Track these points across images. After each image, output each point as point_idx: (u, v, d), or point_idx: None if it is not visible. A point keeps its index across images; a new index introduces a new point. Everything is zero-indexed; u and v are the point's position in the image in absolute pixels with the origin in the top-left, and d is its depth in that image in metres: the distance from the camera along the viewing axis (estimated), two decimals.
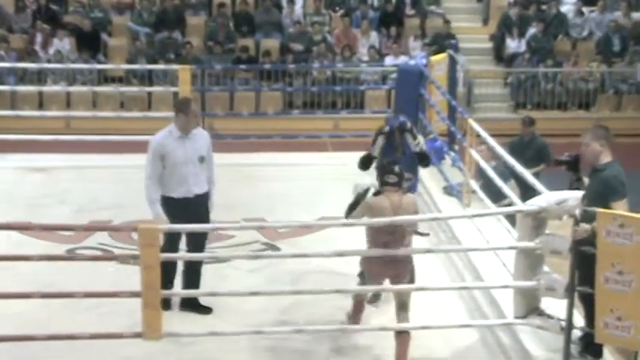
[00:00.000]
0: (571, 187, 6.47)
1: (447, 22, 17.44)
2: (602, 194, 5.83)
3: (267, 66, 15.59)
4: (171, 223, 6.70)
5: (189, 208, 6.90)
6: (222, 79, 15.89)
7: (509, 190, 7.78)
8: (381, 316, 6.71)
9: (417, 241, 8.01)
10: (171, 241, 6.83)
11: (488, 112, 16.25)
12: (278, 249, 8.19)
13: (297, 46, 16.91)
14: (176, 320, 6.32)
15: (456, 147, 10.11)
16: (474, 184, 8.74)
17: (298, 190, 9.61)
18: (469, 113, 10.05)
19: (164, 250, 6.17)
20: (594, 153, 5.95)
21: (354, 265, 7.20)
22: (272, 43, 17.09)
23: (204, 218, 6.93)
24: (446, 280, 7.46)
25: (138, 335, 6.02)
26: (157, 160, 6.93)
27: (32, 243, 7.99)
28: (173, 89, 10.95)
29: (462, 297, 7.15)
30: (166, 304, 6.54)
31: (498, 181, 7.91)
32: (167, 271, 6.28)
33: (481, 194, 8.55)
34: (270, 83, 16.12)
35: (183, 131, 6.96)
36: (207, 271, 7.52)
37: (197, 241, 7.02)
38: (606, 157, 5.93)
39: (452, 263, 7.78)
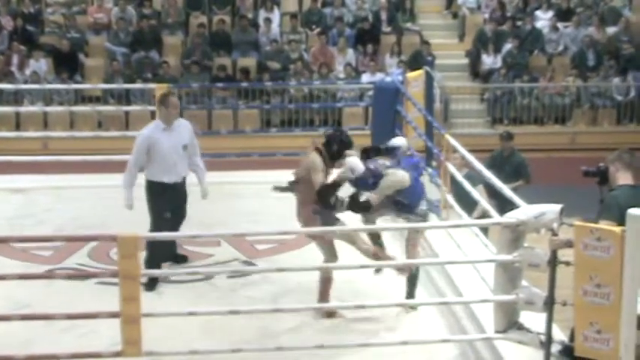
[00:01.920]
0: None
1: (425, 42, 17.49)
2: (599, 212, 5.85)
3: (244, 84, 15.63)
4: (160, 204, 7.73)
5: (177, 190, 7.87)
6: (199, 98, 15.91)
7: (477, 194, 7.84)
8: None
9: (396, 256, 8.10)
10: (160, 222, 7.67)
11: (465, 127, 16.35)
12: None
13: (274, 65, 16.96)
14: (157, 338, 6.27)
15: (434, 163, 10.14)
16: (452, 199, 8.78)
17: (277, 208, 9.59)
18: (446, 129, 10.10)
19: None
20: (611, 175, 5.99)
21: (335, 285, 7.22)
22: (249, 62, 17.13)
23: (186, 198, 8.01)
24: (425, 296, 7.47)
25: (117, 354, 5.99)
26: (142, 152, 7.77)
27: (9, 264, 7.97)
28: (150, 108, 10.94)
29: (442, 312, 7.16)
30: (152, 283, 7.41)
31: (467, 186, 7.97)
32: (160, 253, 7.55)
33: (458, 209, 8.59)
34: (247, 101, 16.15)
35: (167, 123, 7.79)
36: (186, 290, 7.53)
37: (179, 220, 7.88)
38: (621, 180, 5.94)
39: (430, 279, 7.79)
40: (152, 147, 7.73)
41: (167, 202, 7.80)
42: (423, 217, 7.28)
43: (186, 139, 7.90)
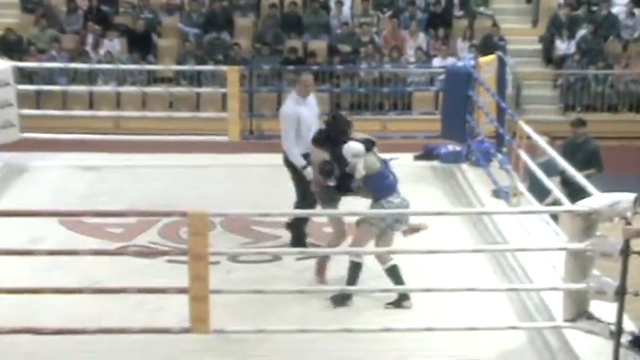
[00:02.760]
0: None
1: (498, 27, 17.30)
2: None
3: (314, 67, 15.62)
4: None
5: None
6: (270, 80, 15.95)
7: (551, 184, 7.74)
8: None
9: (465, 242, 8.06)
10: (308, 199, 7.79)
11: (537, 114, 16.12)
12: None
13: (345, 48, 16.92)
14: (224, 316, 6.33)
15: (504, 149, 10.04)
16: (522, 187, 8.68)
17: None
18: (518, 115, 9.98)
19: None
20: None
21: (402, 268, 7.21)
22: (320, 45, 17.12)
23: None
24: (494, 282, 7.41)
25: (186, 330, 6.07)
26: (294, 125, 7.89)
27: (83, 241, 8.11)
28: (221, 90, 11.01)
29: (511, 299, 7.10)
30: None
31: (541, 175, 7.87)
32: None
33: (529, 197, 8.50)
34: (317, 84, 16.12)
35: (302, 97, 8.03)
36: (255, 271, 7.58)
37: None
38: None
39: (500, 265, 7.73)
40: (298, 121, 7.89)
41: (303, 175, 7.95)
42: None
43: (317, 110, 8.18)
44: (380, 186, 7.21)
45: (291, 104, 8.07)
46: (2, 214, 7.28)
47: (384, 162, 7.38)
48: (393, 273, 7.08)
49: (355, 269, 7.06)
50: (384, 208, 7.13)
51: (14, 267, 7.11)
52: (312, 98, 8.18)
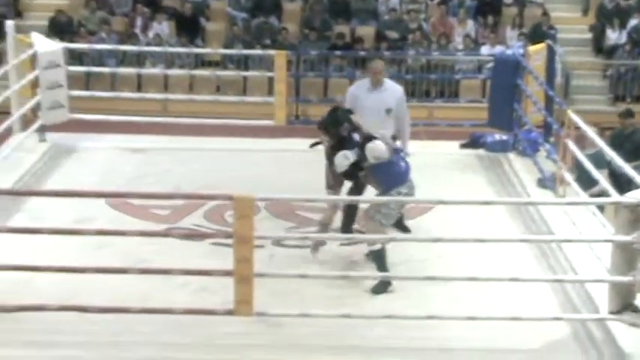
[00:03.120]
0: None
1: (548, 15, 17.15)
2: None
3: (362, 53, 15.60)
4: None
5: None
6: (317, 66, 15.96)
7: (600, 176, 7.67)
8: None
9: (510, 232, 8.03)
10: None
11: (586, 104, 15.97)
12: None
13: (393, 34, 16.88)
14: (268, 299, 6.36)
15: (552, 139, 9.96)
16: (569, 177, 8.61)
17: None
18: (567, 105, 9.90)
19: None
20: None
21: (446, 257, 7.20)
22: (367, 31, 17.09)
23: None
24: (538, 272, 7.37)
25: (230, 312, 6.11)
26: (349, 105, 7.76)
27: (129, 222, 8.19)
28: (269, 74, 11.04)
29: (555, 290, 7.06)
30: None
31: (590, 167, 7.80)
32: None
33: (576, 187, 8.43)
34: (364, 70, 16.10)
35: (373, 84, 7.95)
36: (298, 256, 7.61)
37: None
38: None
39: (545, 255, 7.69)
40: (355, 104, 7.81)
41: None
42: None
43: (392, 103, 7.94)
44: (387, 176, 7.09)
45: (354, 86, 8.13)
46: (50, 194, 7.37)
47: (396, 150, 7.33)
48: (378, 257, 6.99)
49: (378, 256, 6.99)
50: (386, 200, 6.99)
51: (62, 246, 7.22)
52: (390, 88, 8.03)
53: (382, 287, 6.94)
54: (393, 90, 8.05)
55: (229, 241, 6.18)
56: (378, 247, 6.98)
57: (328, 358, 6.11)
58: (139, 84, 16.01)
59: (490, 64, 12.15)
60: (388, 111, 7.92)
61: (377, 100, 7.89)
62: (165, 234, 7.68)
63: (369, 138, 7.13)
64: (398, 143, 7.92)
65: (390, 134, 7.87)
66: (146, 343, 6.20)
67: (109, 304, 6.27)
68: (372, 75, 8.02)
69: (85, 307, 6.17)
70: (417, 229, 8.03)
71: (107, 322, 6.27)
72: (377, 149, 7.05)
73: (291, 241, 7.87)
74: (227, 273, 6.04)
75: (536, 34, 16.02)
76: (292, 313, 6.33)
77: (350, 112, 7.45)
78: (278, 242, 7.82)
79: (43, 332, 6.26)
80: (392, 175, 7.10)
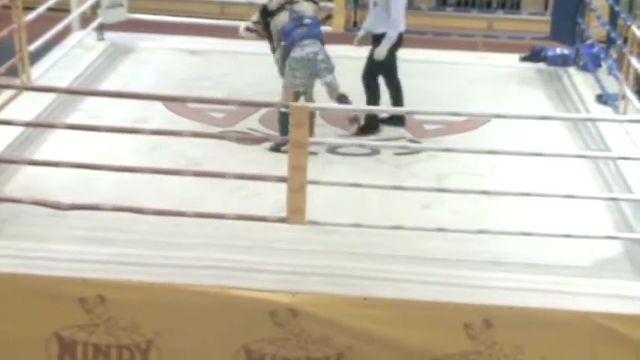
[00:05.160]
0: None
1: None
2: None
3: None
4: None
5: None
6: None
7: None
8: None
9: (566, 147, 7.94)
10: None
11: None
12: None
13: None
14: (321, 207, 6.38)
15: (614, 54, 9.76)
16: (631, 94, 8.45)
17: (446, 88, 9.50)
18: (633, 20, 9.64)
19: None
20: None
21: (501, 170, 7.17)
22: None
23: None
24: (593, 189, 7.30)
25: (282, 220, 6.15)
26: None
27: (185, 123, 8.23)
28: (330, 5, 10.87)
29: (610, 208, 6.99)
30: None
31: None
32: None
33: (638, 104, 8.27)
34: None
35: None
36: (351, 164, 7.61)
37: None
38: None
39: (601, 173, 7.60)
40: None
41: None
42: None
43: None
44: (287, 38, 7.89)
45: None
46: (108, 95, 7.40)
47: (303, 15, 7.93)
48: (284, 118, 7.16)
49: (285, 117, 7.20)
50: (290, 64, 7.82)
51: (117, 146, 7.29)
52: None
53: (276, 147, 7.56)
54: None
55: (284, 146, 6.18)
56: (283, 109, 7.57)
57: (378, 266, 6.14)
58: None
59: None
60: (374, 4, 8.25)
61: None
62: (220, 136, 7.72)
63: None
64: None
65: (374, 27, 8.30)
66: (197, 245, 6.28)
67: (163, 205, 6.32)
68: None
69: (139, 209, 6.23)
70: (474, 142, 7.97)
71: (160, 222, 6.34)
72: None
73: (346, 150, 7.87)
74: (281, 179, 6.05)
75: None
76: (344, 222, 6.35)
77: None
78: (333, 150, 7.82)
79: (95, 230, 6.36)
80: (290, 38, 7.88)
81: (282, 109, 7.55)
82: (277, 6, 8.04)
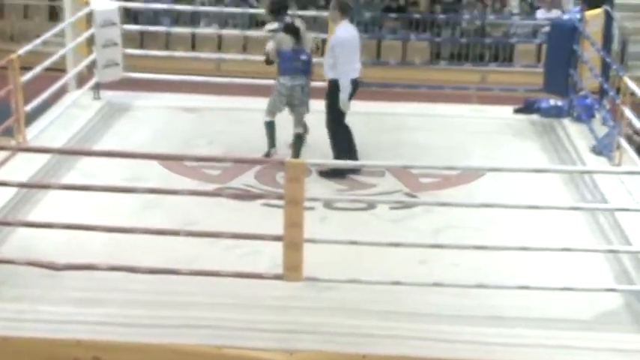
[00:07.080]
0: None
1: None
2: None
3: (415, 15, 15.44)
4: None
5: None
6: (370, 27, 15.83)
7: None
8: None
9: (562, 199, 7.92)
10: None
11: None
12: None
13: None
14: (317, 264, 6.35)
15: (607, 105, 9.80)
16: (625, 144, 8.47)
17: (441, 141, 9.52)
18: (623, 71, 9.72)
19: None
20: None
21: (497, 224, 7.15)
22: None
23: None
24: (591, 242, 7.28)
25: (278, 277, 6.11)
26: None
27: (180, 181, 8.23)
28: (322, 36, 10.95)
29: (609, 260, 6.96)
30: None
31: None
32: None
33: (632, 155, 8.29)
34: (418, 33, 15.96)
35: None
36: (347, 219, 7.59)
37: None
38: None
39: (598, 225, 7.58)
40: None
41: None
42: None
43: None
44: (284, 63, 8.47)
45: (343, 31, 8.60)
46: (104, 155, 7.42)
47: (303, 50, 8.48)
48: (270, 128, 8.57)
49: (270, 127, 8.68)
50: (278, 85, 8.52)
51: (112, 205, 7.27)
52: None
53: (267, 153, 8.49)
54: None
55: (280, 202, 6.17)
56: (267, 119, 8.65)
57: (377, 323, 6.09)
58: (193, 43, 16.01)
59: (546, 29, 11.96)
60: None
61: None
62: (216, 194, 7.71)
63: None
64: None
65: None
66: (193, 304, 6.24)
67: (158, 265, 6.29)
68: None
69: (133, 268, 6.20)
70: (470, 196, 7.97)
71: (154, 281, 6.31)
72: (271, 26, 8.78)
73: (341, 205, 7.86)
74: (277, 238, 6.03)
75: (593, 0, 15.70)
76: (342, 278, 6.31)
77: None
78: (329, 205, 7.81)
79: (89, 290, 6.33)
80: (287, 64, 8.47)
81: (267, 119, 8.66)
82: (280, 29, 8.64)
